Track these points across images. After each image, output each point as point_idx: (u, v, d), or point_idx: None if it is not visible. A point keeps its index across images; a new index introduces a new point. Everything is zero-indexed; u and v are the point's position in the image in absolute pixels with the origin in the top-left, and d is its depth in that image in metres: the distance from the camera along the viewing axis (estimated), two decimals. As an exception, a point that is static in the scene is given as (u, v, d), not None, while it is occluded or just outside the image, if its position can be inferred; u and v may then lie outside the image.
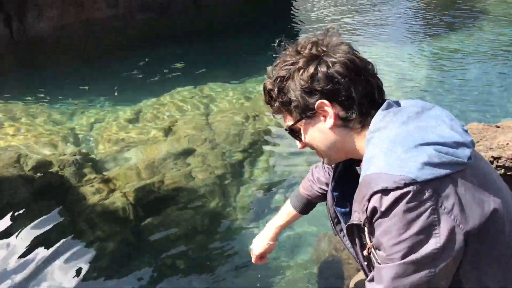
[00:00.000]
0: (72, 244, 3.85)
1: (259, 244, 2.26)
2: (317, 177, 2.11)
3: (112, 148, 5.23)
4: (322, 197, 2.10)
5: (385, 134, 1.25)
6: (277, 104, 1.46)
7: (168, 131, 5.63)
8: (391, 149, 1.19)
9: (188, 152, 5.13)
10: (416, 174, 1.12)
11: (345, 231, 1.59)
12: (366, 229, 1.25)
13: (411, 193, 1.11)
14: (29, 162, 4.63)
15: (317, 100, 1.35)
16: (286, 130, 1.50)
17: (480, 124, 2.62)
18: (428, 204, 1.12)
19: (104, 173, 4.71)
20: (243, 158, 5.15)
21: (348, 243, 1.63)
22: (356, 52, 1.39)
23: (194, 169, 4.84)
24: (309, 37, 1.42)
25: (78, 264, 3.65)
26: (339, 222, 1.76)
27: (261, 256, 2.27)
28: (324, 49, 1.36)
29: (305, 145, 1.50)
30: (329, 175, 1.83)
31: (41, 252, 3.76)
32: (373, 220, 1.19)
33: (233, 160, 5.07)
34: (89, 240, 3.90)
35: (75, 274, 3.57)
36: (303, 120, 1.42)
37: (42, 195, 4.26)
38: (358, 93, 1.33)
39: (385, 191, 1.13)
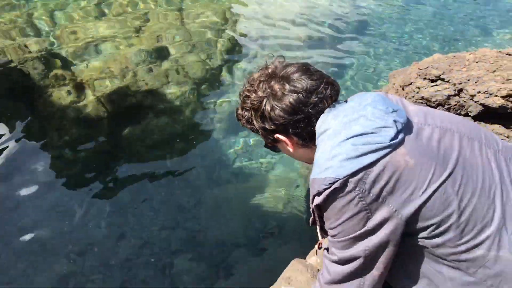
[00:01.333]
0: (41, 150, 3.64)
1: None
2: None
3: (78, 44, 4.77)
4: None
5: (322, 138, 1.41)
6: (249, 128, 1.65)
7: (139, 29, 5.18)
8: (322, 153, 1.37)
9: (162, 55, 4.78)
10: (337, 173, 1.29)
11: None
12: (318, 226, 1.47)
13: (336, 189, 1.29)
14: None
15: (273, 134, 1.56)
16: (264, 146, 1.72)
17: (493, 51, 2.51)
18: (354, 194, 1.28)
19: (74, 72, 4.33)
20: (222, 63, 4.88)
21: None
22: (298, 85, 1.46)
23: (170, 73, 4.55)
24: (261, 71, 1.56)
25: (48, 171, 3.48)
26: None
27: None
28: (269, 86, 1.50)
29: None
30: None
31: (10, 156, 3.53)
32: (318, 213, 1.41)
33: (212, 65, 4.79)
34: (59, 145, 3.68)
35: (46, 180, 3.41)
36: (272, 143, 1.64)
37: (4, 95, 3.89)
38: (303, 128, 1.49)
39: (319, 193, 1.33)
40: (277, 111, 1.48)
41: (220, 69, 4.78)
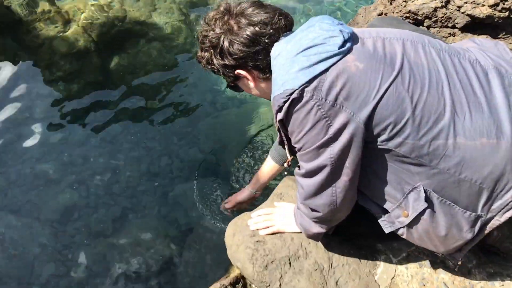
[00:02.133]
0: (32, 85, 3.64)
1: (243, 192, 2.51)
2: None
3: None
4: None
5: (276, 60, 1.45)
6: (210, 70, 1.69)
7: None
8: (277, 72, 1.42)
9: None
10: (293, 84, 1.35)
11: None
12: (286, 143, 1.55)
13: (294, 99, 1.36)
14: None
15: (234, 70, 1.59)
16: (226, 87, 1.78)
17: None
18: (312, 103, 1.34)
19: (59, 5, 4.22)
20: (209, -13, 4.74)
21: None
22: (255, 17, 1.51)
23: (157, 1, 4.43)
24: (216, 10, 1.59)
25: (44, 108, 3.51)
26: None
27: (239, 203, 2.52)
28: (227, 22, 1.54)
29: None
30: None
31: (3, 92, 3.55)
32: (283, 130, 1.49)
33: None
34: (50, 80, 3.68)
35: (41, 115, 3.45)
36: (233, 82, 1.68)
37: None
38: (262, 60, 1.53)
39: (280, 108, 1.40)
40: (236, 45, 1.52)
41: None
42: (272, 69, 1.48)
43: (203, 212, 2.77)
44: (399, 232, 1.57)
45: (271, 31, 1.50)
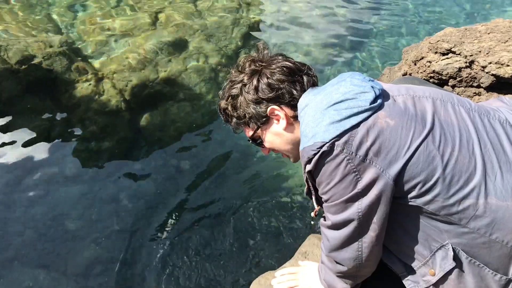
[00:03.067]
0: (66, 141, 3.77)
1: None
2: None
3: (98, 38, 4.89)
4: None
5: (305, 111, 1.46)
6: (234, 120, 1.69)
7: (155, 20, 5.26)
8: (307, 124, 1.42)
9: (180, 44, 4.86)
10: (323, 137, 1.35)
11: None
12: (313, 194, 1.54)
13: (324, 152, 1.35)
14: (10, 54, 4.30)
15: (267, 108, 1.58)
16: (248, 141, 1.74)
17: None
18: (342, 156, 1.34)
19: (94, 65, 4.45)
20: (238, 49, 4.93)
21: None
22: (290, 59, 1.61)
23: (189, 62, 4.63)
24: (246, 57, 1.64)
25: (75, 162, 3.61)
26: None
27: None
28: (261, 63, 1.60)
29: (268, 150, 1.75)
30: None
31: (38, 149, 3.68)
32: (311, 181, 1.48)
33: (229, 52, 4.84)
34: (84, 137, 3.81)
35: (72, 171, 3.54)
36: (260, 128, 1.66)
37: (30, 90, 4.04)
38: (298, 91, 1.56)
39: (309, 161, 1.39)
40: (275, 75, 1.56)
41: (237, 55, 4.83)
42: (300, 120, 1.49)
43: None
44: None
45: (306, 71, 1.59)
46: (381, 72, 3.70)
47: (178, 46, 4.83)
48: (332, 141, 1.34)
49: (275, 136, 1.66)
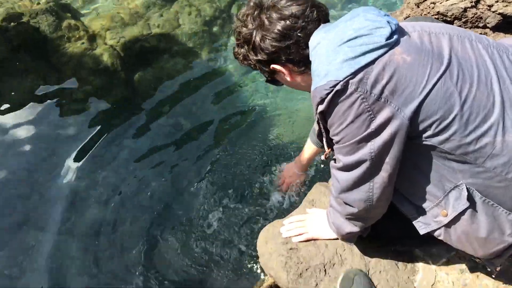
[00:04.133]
0: (64, 103, 3.70)
1: (288, 176, 2.70)
2: None
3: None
4: None
5: (316, 50, 1.40)
6: (247, 63, 1.67)
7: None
8: (319, 62, 1.36)
9: (172, -4, 4.70)
10: (337, 75, 1.29)
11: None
12: (323, 136, 1.50)
13: (338, 91, 1.29)
14: (-4, 12, 4.13)
15: (269, 65, 1.57)
16: (266, 82, 1.74)
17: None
18: (355, 95, 1.29)
19: (84, 22, 4.31)
20: (231, 0, 4.78)
21: None
22: (289, 5, 1.48)
23: (181, 15, 4.49)
24: (248, 5, 1.56)
25: (74, 124, 3.55)
26: None
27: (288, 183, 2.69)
28: (258, 21, 1.52)
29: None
30: None
31: (34, 113, 3.61)
32: (322, 122, 1.44)
33: (222, 3, 4.70)
34: (80, 98, 3.73)
35: (72, 133, 3.50)
36: (271, 75, 1.65)
37: (21, 50, 3.91)
38: (295, 53, 1.50)
39: (322, 101, 1.34)
40: (267, 41, 1.49)
41: (230, 6, 4.70)
42: (311, 59, 1.43)
43: (232, 223, 2.74)
44: (436, 233, 1.51)
45: (303, 24, 1.46)
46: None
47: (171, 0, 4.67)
48: (346, 79, 1.28)
49: (286, 81, 1.66)
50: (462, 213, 1.40)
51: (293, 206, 2.57)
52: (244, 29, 1.56)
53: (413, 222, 1.54)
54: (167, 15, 4.48)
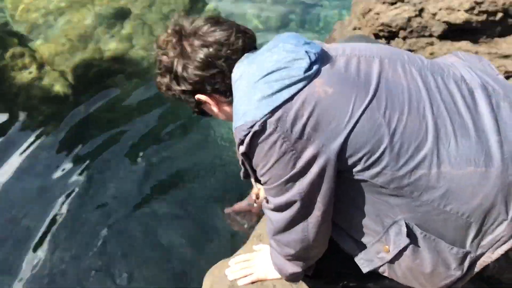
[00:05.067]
0: (16, 133, 3.54)
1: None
2: None
3: (32, 16, 4.54)
4: None
5: (237, 85, 1.30)
6: (171, 94, 1.51)
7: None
8: (238, 100, 1.27)
9: (122, 15, 4.56)
10: (254, 115, 1.20)
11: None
12: (251, 175, 1.38)
13: (256, 132, 1.20)
14: None
15: (193, 96, 1.43)
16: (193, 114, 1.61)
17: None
18: (275, 135, 1.20)
19: (32, 47, 4.15)
20: (187, 13, 4.66)
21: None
22: (213, 31, 1.36)
23: (134, 34, 4.36)
24: (168, 32, 1.41)
25: (26, 156, 3.39)
26: None
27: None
28: (179, 48, 1.38)
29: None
30: None
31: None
32: (248, 163, 1.33)
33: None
34: (31, 127, 3.57)
35: (26, 165, 3.34)
36: (197, 107, 1.51)
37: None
38: (220, 83, 1.37)
39: (241, 142, 1.24)
40: (190, 70, 1.37)
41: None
42: (233, 93, 1.33)
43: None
44: (380, 270, 1.41)
45: (228, 52, 1.34)
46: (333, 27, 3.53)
47: (122, 19, 4.54)
48: (263, 119, 1.19)
49: (215, 112, 1.53)
50: (404, 249, 1.31)
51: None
52: (165, 57, 1.41)
53: (355, 259, 1.44)
54: (119, 35, 4.35)
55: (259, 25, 4.69)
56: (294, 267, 1.54)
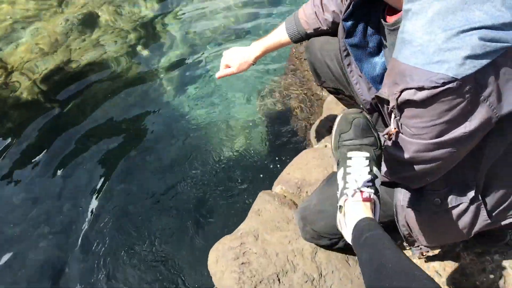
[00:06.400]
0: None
1: (238, 59, 2.19)
2: (325, 3, 1.94)
3: (1, 26, 4.49)
4: (323, 31, 2.01)
5: (425, 7, 1.08)
6: None
7: (61, 1, 4.89)
8: (430, 34, 1.06)
9: (91, 21, 4.57)
10: (456, 72, 1.03)
11: (353, 65, 1.69)
12: (393, 114, 1.22)
13: (450, 90, 1.05)
14: None
15: None
16: None
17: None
18: (466, 96, 1.06)
19: (2, 58, 4.10)
20: (154, 17, 4.72)
21: (354, 78, 1.69)
22: None
23: (103, 38, 4.37)
24: None
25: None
26: (348, 55, 1.71)
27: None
28: None
29: None
30: (342, 3, 1.80)
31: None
32: (404, 107, 1.17)
33: (145, 20, 4.63)
34: (2, 135, 3.55)
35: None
36: None
37: None
38: None
39: (421, 88, 1.07)
40: None
41: (152, 24, 4.63)
42: (409, 7, 1.12)
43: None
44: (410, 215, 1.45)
45: None
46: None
47: (89, 22, 4.54)
48: (463, 78, 1.03)
49: None
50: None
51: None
52: None
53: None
54: (89, 40, 4.35)
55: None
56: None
